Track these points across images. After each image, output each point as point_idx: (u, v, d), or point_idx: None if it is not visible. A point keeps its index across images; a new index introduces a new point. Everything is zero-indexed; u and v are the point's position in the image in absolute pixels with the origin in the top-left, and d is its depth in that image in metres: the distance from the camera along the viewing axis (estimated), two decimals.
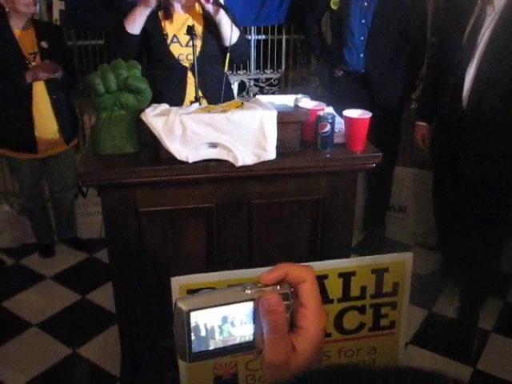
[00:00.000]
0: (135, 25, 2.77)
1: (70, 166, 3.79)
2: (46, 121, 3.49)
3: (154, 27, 2.86)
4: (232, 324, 0.66)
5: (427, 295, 3.44)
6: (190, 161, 2.06)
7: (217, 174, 2.12)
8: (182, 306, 0.64)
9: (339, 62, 3.59)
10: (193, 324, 0.64)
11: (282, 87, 4.51)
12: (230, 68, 3.02)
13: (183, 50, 2.87)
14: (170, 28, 2.89)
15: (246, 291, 0.66)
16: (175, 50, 2.90)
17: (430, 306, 3.41)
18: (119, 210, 2.16)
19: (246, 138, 2.08)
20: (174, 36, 2.88)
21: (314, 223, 2.33)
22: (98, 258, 3.94)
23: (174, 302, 1.89)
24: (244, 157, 2.08)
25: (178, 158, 2.05)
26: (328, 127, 2.17)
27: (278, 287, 0.66)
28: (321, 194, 2.28)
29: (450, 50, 3.00)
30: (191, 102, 2.65)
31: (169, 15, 2.87)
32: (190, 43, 2.75)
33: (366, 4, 3.42)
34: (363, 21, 3.44)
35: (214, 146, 2.08)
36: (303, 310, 0.66)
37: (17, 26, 3.37)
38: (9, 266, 3.88)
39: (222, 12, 2.78)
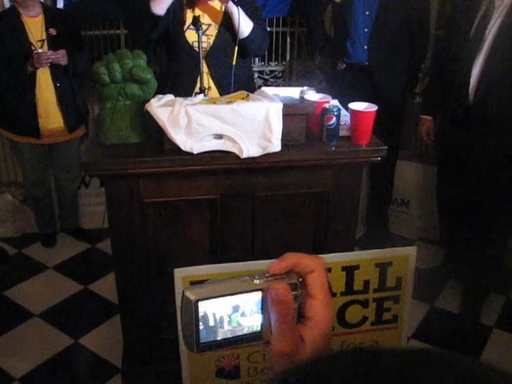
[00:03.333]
0: (162, 4, 2.72)
1: (75, 156, 3.78)
2: (49, 108, 3.49)
3: (175, 11, 2.85)
4: (242, 314, 0.65)
5: (429, 290, 3.44)
6: (195, 152, 2.05)
7: (221, 165, 2.11)
8: (190, 295, 0.63)
9: (342, 54, 3.57)
10: (201, 314, 0.63)
11: (286, 79, 4.49)
12: (245, 60, 3.00)
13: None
14: (191, 14, 2.88)
15: (255, 281, 0.65)
16: (190, 36, 2.88)
17: (433, 300, 3.40)
18: (123, 201, 2.15)
19: (251, 130, 2.06)
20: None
21: (319, 216, 2.32)
22: (99, 249, 3.94)
23: (179, 292, 1.88)
24: (249, 148, 2.07)
25: (183, 148, 2.04)
26: (334, 120, 2.16)
27: (287, 277, 0.65)
28: (326, 186, 2.27)
29: (457, 44, 2.98)
30: (196, 93, 2.64)
31: (192, 3, 2.87)
32: (207, 31, 2.75)
33: None
34: (367, 12, 3.43)
35: (219, 137, 2.07)
36: (311, 301, 0.65)
37: (26, 13, 3.36)
38: (11, 255, 3.88)
39: (230, 4, 2.76)
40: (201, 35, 2.63)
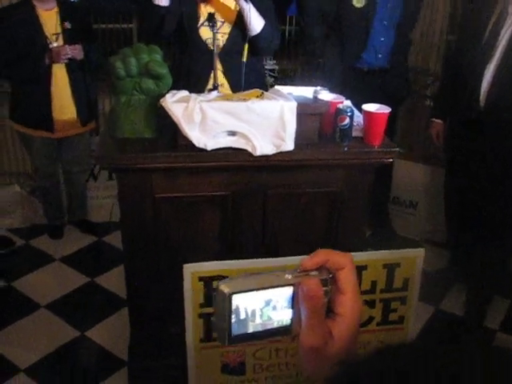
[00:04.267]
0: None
1: (85, 148, 3.81)
2: (64, 101, 3.51)
3: (190, 6, 2.88)
4: (273, 308, 0.66)
5: (434, 292, 3.44)
6: (209, 148, 2.06)
7: (234, 162, 2.12)
8: (225, 288, 0.64)
9: (355, 61, 3.55)
10: (234, 307, 0.65)
11: (297, 79, 4.49)
12: (258, 58, 3.00)
13: (212, 35, 2.84)
14: (205, 11, 2.89)
15: (286, 276, 0.66)
16: (204, 33, 2.90)
17: (437, 302, 3.41)
18: (135, 195, 2.17)
19: (265, 128, 2.07)
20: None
21: (329, 216, 2.33)
22: (107, 242, 3.96)
23: (188, 287, 1.88)
24: (262, 146, 2.08)
25: (197, 145, 2.05)
26: (347, 120, 2.16)
27: (318, 273, 0.66)
28: (337, 186, 2.28)
29: (469, 49, 2.98)
30: (209, 90, 2.65)
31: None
32: (221, 29, 2.76)
33: (389, 5, 3.42)
34: (385, 22, 3.45)
35: (232, 134, 2.08)
36: (341, 297, 0.67)
37: (41, 6, 3.37)
38: (18, 246, 3.89)
39: (241, 0, 2.77)
40: (216, 32, 2.64)
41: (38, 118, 3.50)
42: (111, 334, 3.02)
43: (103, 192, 4.20)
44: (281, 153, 2.11)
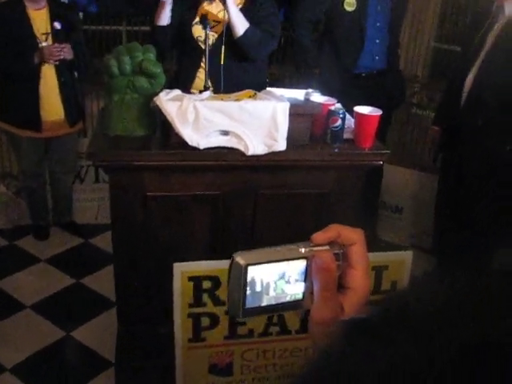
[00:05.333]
0: (159, 18, 2.94)
1: (73, 149, 3.80)
2: (52, 101, 3.49)
3: (191, 7, 3.00)
4: (287, 281, 0.67)
5: None
6: (201, 147, 2.07)
7: (227, 161, 2.13)
8: (240, 260, 0.64)
9: (352, 65, 3.57)
10: (249, 279, 0.65)
11: (287, 83, 4.51)
12: (240, 60, 3.00)
13: (203, 34, 2.86)
14: (203, 9, 2.96)
15: (300, 249, 0.66)
16: (196, 31, 2.96)
17: None
18: (126, 193, 2.17)
19: (257, 128, 2.09)
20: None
21: (319, 217, 2.34)
22: (93, 244, 3.93)
23: (177, 286, 1.87)
24: (255, 146, 2.09)
25: (190, 143, 2.05)
26: (339, 122, 2.19)
27: (329, 248, 0.67)
28: (327, 188, 2.29)
29: (461, 58, 3.04)
30: (201, 91, 2.66)
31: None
32: (213, 29, 2.79)
33: (379, 8, 3.47)
34: (378, 24, 3.48)
35: (225, 133, 2.09)
36: (352, 272, 0.67)
37: (31, 6, 3.36)
38: (3, 246, 3.85)
39: (227, 2, 2.79)
40: (208, 32, 2.66)
41: (26, 117, 3.47)
42: (97, 334, 3.00)
43: (89, 194, 4.18)
44: (273, 153, 2.12)
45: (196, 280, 2.03)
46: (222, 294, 2.06)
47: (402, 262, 2.21)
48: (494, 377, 0.31)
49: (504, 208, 3.03)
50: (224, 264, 2.03)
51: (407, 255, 2.21)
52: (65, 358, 2.92)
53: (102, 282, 3.40)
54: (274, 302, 0.68)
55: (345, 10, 3.45)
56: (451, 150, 3.17)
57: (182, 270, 2.01)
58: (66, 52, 3.34)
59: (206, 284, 2.04)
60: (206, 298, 2.06)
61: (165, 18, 2.94)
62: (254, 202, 2.28)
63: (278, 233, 2.35)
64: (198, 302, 2.06)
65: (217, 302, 2.07)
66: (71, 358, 2.94)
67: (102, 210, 4.10)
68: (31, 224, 3.99)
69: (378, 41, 3.52)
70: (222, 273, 2.05)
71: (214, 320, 2.10)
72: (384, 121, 3.09)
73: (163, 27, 2.96)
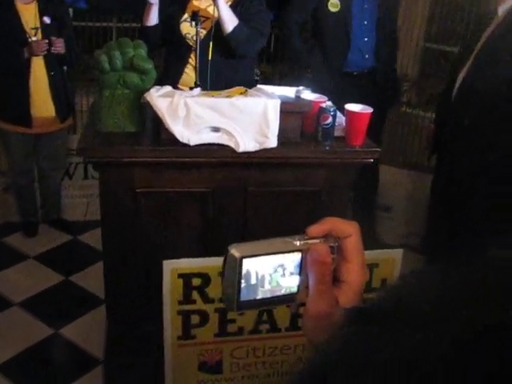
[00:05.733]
0: (147, 19, 2.97)
1: (62, 146, 3.78)
2: (42, 97, 3.47)
3: (179, 4, 3.02)
4: (282, 274, 0.66)
5: None
6: (192, 143, 2.06)
7: (217, 158, 2.13)
8: (235, 252, 0.64)
9: (341, 65, 3.57)
10: (244, 271, 0.64)
11: (275, 81, 4.52)
12: (229, 57, 2.99)
13: (191, 30, 2.89)
14: (192, 6, 2.98)
15: (295, 242, 0.66)
16: (184, 28, 2.98)
17: None
18: (116, 189, 2.15)
19: (248, 125, 2.09)
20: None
21: (309, 214, 2.34)
22: (81, 241, 3.91)
23: (167, 283, 1.86)
24: (246, 143, 2.09)
25: (180, 140, 2.04)
26: (330, 119, 2.18)
27: (324, 240, 0.67)
28: (318, 186, 2.29)
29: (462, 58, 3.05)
30: (191, 88, 2.65)
31: None
32: (202, 24, 2.78)
33: (366, 6, 3.48)
34: (365, 22, 3.49)
35: (216, 130, 2.09)
36: (348, 265, 0.67)
37: (19, 0, 3.33)
38: None
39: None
40: (199, 30, 2.65)
41: (15, 112, 3.45)
42: (86, 332, 2.99)
43: (78, 191, 4.16)
44: (264, 150, 2.12)
45: (186, 277, 2.02)
46: (211, 291, 2.05)
47: (392, 260, 2.21)
48: (488, 368, 0.31)
49: (496, 205, 3.05)
50: (214, 261, 2.03)
51: (397, 253, 2.21)
52: (53, 355, 2.91)
53: (91, 279, 3.39)
54: (268, 295, 0.67)
55: (329, 11, 3.47)
56: (443, 148, 3.17)
57: (172, 267, 2.00)
58: (59, 46, 3.33)
59: (196, 281, 2.03)
60: (195, 295, 2.05)
61: (153, 18, 2.97)
62: (245, 199, 2.27)
63: (269, 230, 2.34)
64: (187, 299, 2.05)
65: (206, 299, 2.06)
66: (59, 355, 2.92)
67: (91, 207, 4.08)
68: (20, 221, 3.97)
69: (366, 39, 3.52)
70: (212, 270, 2.04)
71: (204, 317, 2.10)
72: (377, 119, 3.09)
73: (152, 27, 2.99)
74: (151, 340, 2.35)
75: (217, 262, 2.10)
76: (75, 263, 3.62)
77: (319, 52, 3.65)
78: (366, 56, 3.55)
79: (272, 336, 2.23)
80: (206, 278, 2.03)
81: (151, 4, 2.90)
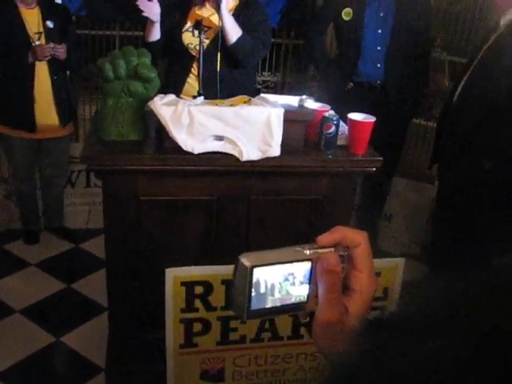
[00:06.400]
0: (150, 35, 2.99)
1: (65, 153, 3.78)
2: (45, 101, 3.47)
3: (180, 14, 3.03)
4: (292, 283, 0.67)
5: None
6: (196, 152, 2.07)
7: (221, 167, 2.13)
8: (246, 261, 0.65)
9: (352, 73, 3.55)
10: (254, 280, 0.65)
11: (278, 90, 4.53)
12: (232, 67, 3.01)
13: (193, 40, 2.91)
14: (194, 16, 3.00)
15: (305, 251, 0.67)
16: (186, 38, 3.00)
17: None
18: (120, 197, 2.16)
19: (252, 134, 2.09)
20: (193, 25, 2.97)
21: (312, 223, 2.35)
22: (83, 249, 3.91)
23: (169, 291, 1.85)
24: (249, 151, 2.09)
25: (184, 148, 2.05)
26: (333, 128, 2.19)
27: (334, 249, 0.67)
28: (320, 194, 2.30)
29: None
30: (194, 97, 2.66)
31: (199, 2, 3.01)
32: (205, 34, 2.80)
33: (382, 14, 3.44)
34: (379, 31, 3.45)
35: (219, 138, 2.09)
36: (357, 273, 0.68)
37: (23, 5, 3.36)
38: None
39: (221, 9, 2.80)
40: (202, 39, 2.67)
41: (19, 117, 3.46)
42: (87, 339, 2.98)
43: (80, 199, 4.16)
44: (267, 158, 2.13)
45: (188, 285, 2.02)
46: (214, 299, 2.05)
47: (394, 269, 2.21)
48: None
49: (499, 214, 3.05)
50: (216, 270, 2.03)
51: (400, 262, 2.21)
52: (54, 363, 2.90)
53: (93, 286, 3.39)
54: (278, 304, 0.68)
55: (343, 19, 3.49)
56: (445, 157, 3.19)
57: (175, 274, 2.00)
58: (60, 52, 3.34)
59: (199, 289, 2.03)
60: (198, 303, 2.05)
61: (155, 34, 2.98)
62: (248, 208, 2.28)
63: (272, 238, 2.35)
64: (190, 307, 2.05)
65: (209, 307, 2.07)
66: (61, 363, 2.92)
67: (93, 215, 4.09)
68: (21, 228, 3.97)
69: (379, 48, 3.48)
70: (215, 278, 2.04)
71: (206, 326, 2.10)
72: (394, 132, 3.06)
73: (154, 42, 3.00)
74: (153, 348, 2.35)
75: (219, 270, 2.11)
76: (77, 271, 3.62)
77: (334, 60, 3.73)
78: (378, 65, 3.51)
79: (274, 344, 2.23)
80: (208, 287, 2.03)
81: (152, 21, 2.91)
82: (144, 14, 2.81)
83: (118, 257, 2.28)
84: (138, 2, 2.78)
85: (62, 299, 3.36)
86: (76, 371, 2.83)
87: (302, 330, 2.20)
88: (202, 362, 2.22)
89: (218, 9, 2.81)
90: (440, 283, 0.43)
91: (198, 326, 2.09)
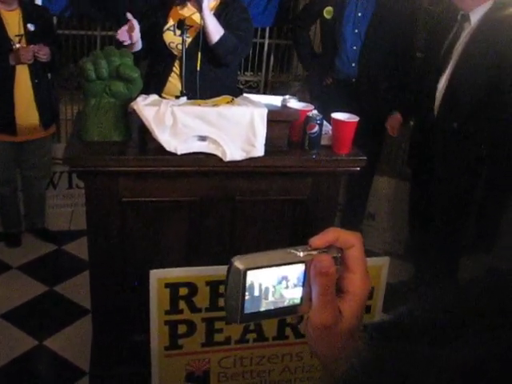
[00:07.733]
0: (135, 46, 2.89)
1: (46, 154, 3.74)
2: (26, 104, 3.44)
3: (161, 13, 3.01)
4: (286, 286, 0.66)
5: (395, 303, 3.46)
6: (179, 152, 2.05)
7: (204, 167, 2.12)
8: (239, 264, 0.63)
9: (330, 70, 3.61)
10: (248, 283, 0.64)
11: (260, 90, 4.53)
12: (214, 65, 3.00)
13: (175, 39, 2.89)
14: (176, 15, 2.97)
15: (299, 253, 0.66)
16: (167, 37, 2.97)
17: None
18: (102, 198, 2.14)
19: (235, 134, 2.08)
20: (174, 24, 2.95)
21: (296, 223, 2.34)
22: (66, 251, 3.87)
23: (154, 293, 1.84)
24: (232, 152, 2.08)
25: (167, 149, 2.04)
26: (316, 128, 2.19)
27: (327, 251, 0.66)
28: (304, 194, 2.30)
29: (430, 64, 3.12)
30: (177, 97, 2.65)
31: (181, 1, 2.98)
32: (186, 34, 2.79)
33: (359, 14, 3.48)
34: (356, 31, 3.49)
35: (203, 139, 2.08)
36: (351, 275, 0.67)
37: (3, 7, 3.31)
38: None
39: (203, 8, 2.79)
40: (185, 38, 2.65)
41: (0, 120, 3.42)
42: (71, 343, 2.95)
43: (63, 200, 4.13)
44: (250, 159, 2.12)
45: (172, 287, 2.01)
46: (198, 300, 2.04)
47: (379, 268, 2.21)
48: None
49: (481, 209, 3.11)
50: (201, 271, 2.02)
51: (384, 261, 2.21)
52: (38, 367, 2.86)
53: (76, 289, 3.36)
54: (272, 307, 0.67)
55: (325, 17, 3.54)
56: (424, 151, 3.24)
57: (159, 276, 1.99)
58: (44, 54, 3.31)
59: (183, 291, 2.02)
60: (182, 304, 2.04)
61: (137, 45, 2.90)
62: (232, 208, 2.27)
63: (257, 239, 2.34)
64: (174, 309, 2.04)
65: (193, 308, 2.05)
66: (44, 367, 2.88)
67: (76, 217, 4.05)
68: (2, 231, 3.92)
69: (355, 47, 3.53)
70: (199, 279, 2.03)
71: (191, 327, 2.09)
72: (368, 132, 3.08)
73: (138, 51, 2.94)
74: (138, 351, 2.33)
75: (203, 271, 2.10)
76: (60, 273, 3.58)
77: (316, 57, 3.80)
78: (353, 64, 3.56)
79: (259, 345, 2.22)
80: (192, 288, 2.02)
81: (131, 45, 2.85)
82: (125, 44, 2.76)
83: (101, 259, 2.26)
84: (118, 37, 2.74)
85: (44, 302, 3.32)
86: (59, 375, 2.80)
87: (288, 331, 2.20)
88: (187, 364, 2.21)
89: (199, 8, 2.79)
90: (442, 290, 0.43)
91: (182, 328, 2.08)
